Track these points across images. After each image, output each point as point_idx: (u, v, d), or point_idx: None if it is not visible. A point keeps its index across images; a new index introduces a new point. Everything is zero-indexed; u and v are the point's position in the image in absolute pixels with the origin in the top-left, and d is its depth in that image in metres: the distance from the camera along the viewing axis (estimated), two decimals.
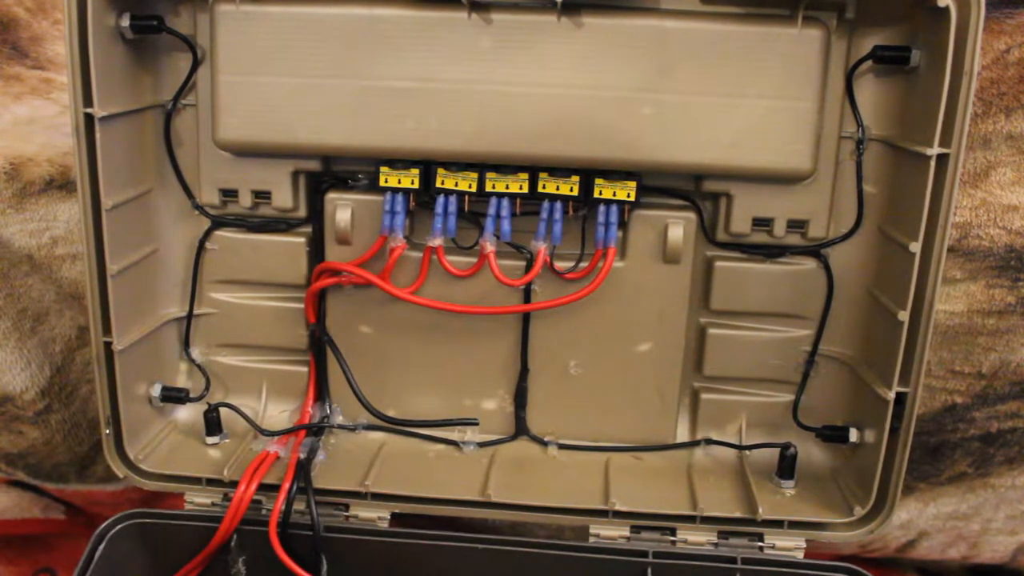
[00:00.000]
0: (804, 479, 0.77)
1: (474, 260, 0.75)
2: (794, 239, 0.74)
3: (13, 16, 0.83)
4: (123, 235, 0.71)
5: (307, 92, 0.70)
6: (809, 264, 0.75)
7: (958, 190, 0.64)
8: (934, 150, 0.63)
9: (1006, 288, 0.82)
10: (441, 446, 0.82)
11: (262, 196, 0.76)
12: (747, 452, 0.79)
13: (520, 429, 0.81)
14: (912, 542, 1.00)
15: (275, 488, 0.74)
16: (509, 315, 0.78)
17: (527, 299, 0.77)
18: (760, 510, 0.72)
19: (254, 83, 0.70)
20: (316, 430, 0.80)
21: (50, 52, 0.84)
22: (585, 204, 0.72)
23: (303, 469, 0.75)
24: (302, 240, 0.78)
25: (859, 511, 0.72)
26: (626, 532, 0.74)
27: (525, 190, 0.71)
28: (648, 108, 0.68)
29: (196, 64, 0.72)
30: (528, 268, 0.75)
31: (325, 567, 0.74)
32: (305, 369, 0.82)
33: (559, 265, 0.75)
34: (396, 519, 0.76)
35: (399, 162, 0.72)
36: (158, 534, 0.75)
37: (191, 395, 0.81)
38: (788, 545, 0.73)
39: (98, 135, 0.67)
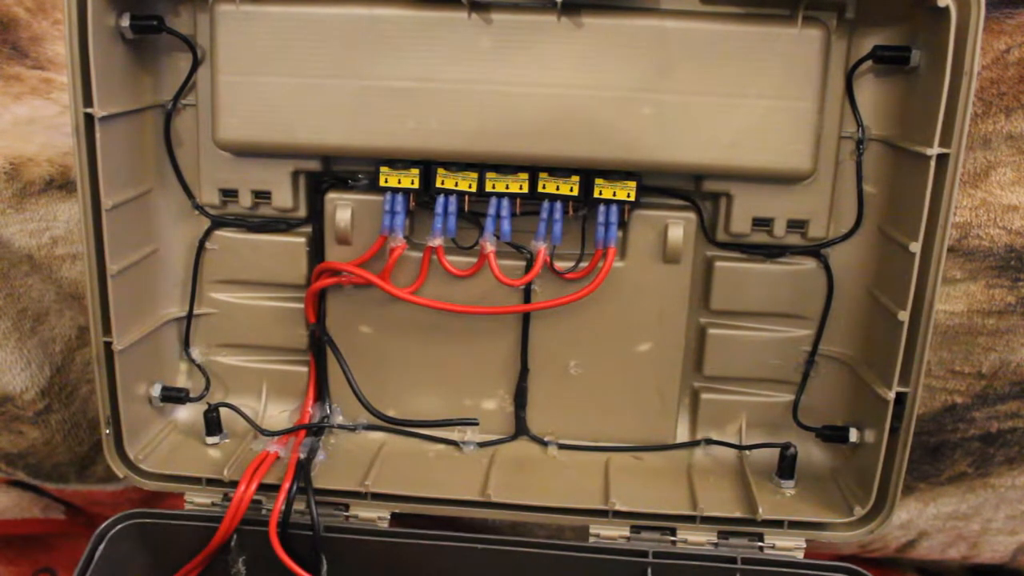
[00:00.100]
0: (804, 479, 0.77)
1: (474, 260, 0.75)
2: (794, 239, 0.74)
3: (13, 16, 0.83)
4: (123, 235, 0.71)
5: (307, 92, 0.70)
6: (809, 264, 0.75)
7: (958, 190, 0.64)
8: (934, 150, 0.63)
9: (1006, 288, 0.82)
10: (441, 446, 0.82)
11: (262, 196, 0.76)
12: (747, 452, 0.79)
13: (520, 429, 0.81)
14: (912, 542, 1.00)
15: (275, 488, 0.74)
16: (509, 315, 0.78)
17: (527, 299, 0.77)
18: (760, 510, 0.72)
19: (254, 83, 0.70)
20: (316, 430, 0.80)
21: (50, 52, 0.84)
22: (585, 204, 0.72)
23: (303, 469, 0.75)
24: (302, 240, 0.78)
25: (859, 511, 0.72)
26: (626, 532, 0.74)
27: (525, 190, 0.71)
28: (648, 108, 0.68)
29: (196, 64, 0.73)
30: (528, 268, 0.75)
31: (325, 567, 0.74)
32: (305, 369, 0.82)
33: (559, 265, 0.75)
34: (396, 519, 0.76)
35: (399, 162, 0.72)
36: (158, 534, 0.75)
37: (191, 395, 0.81)
38: (788, 545, 0.73)
39: (98, 135, 0.67)
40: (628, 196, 0.71)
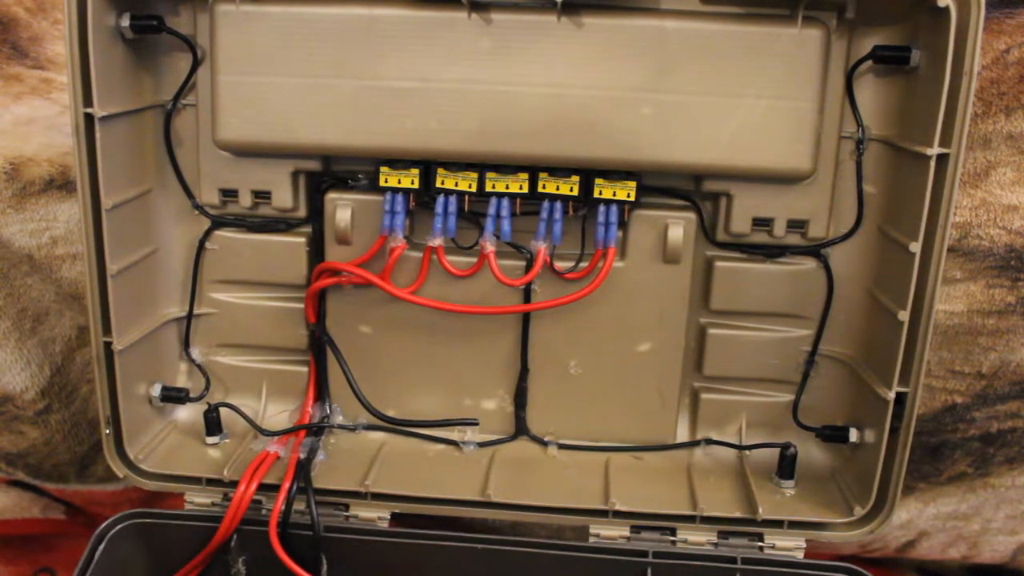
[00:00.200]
0: (804, 479, 0.77)
1: (474, 260, 0.75)
2: (794, 239, 0.74)
3: (13, 16, 0.83)
4: (123, 235, 0.71)
5: (307, 92, 0.70)
6: (809, 264, 0.75)
7: (958, 190, 0.64)
8: (934, 150, 0.63)
9: (1006, 288, 0.82)
10: (441, 446, 0.82)
11: (262, 196, 0.76)
12: (747, 452, 0.79)
13: (520, 429, 0.81)
14: (912, 542, 1.00)
15: (275, 488, 0.74)
16: (509, 315, 0.78)
17: (527, 299, 0.77)
18: (760, 510, 0.72)
19: (254, 83, 0.70)
20: (316, 430, 0.80)
21: (50, 52, 0.84)
22: (585, 204, 0.72)
23: (303, 469, 0.75)
24: (302, 240, 0.78)
25: (859, 511, 0.72)
26: (626, 532, 0.74)
27: (525, 190, 0.71)
28: (648, 108, 0.68)
29: (196, 64, 0.72)
30: (528, 268, 0.75)
31: (325, 567, 0.74)
32: (305, 369, 0.82)
33: (559, 265, 0.75)
34: (396, 519, 0.76)
35: (399, 162, 0.72)
36: (158, 534, 0.75)
37: (191, 395, 0.81)
38: (788, 545, 0.73)
39: (98, 135, 0.67)
40: (628, 196, 0.71)
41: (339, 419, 0.82)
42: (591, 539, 0.74)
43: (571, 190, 0.71)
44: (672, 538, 0.74)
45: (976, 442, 0.91)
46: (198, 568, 0.76)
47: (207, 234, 0.78)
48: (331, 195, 0.76)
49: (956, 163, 0.63)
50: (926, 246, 0.65)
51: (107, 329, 0.72)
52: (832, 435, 0.76)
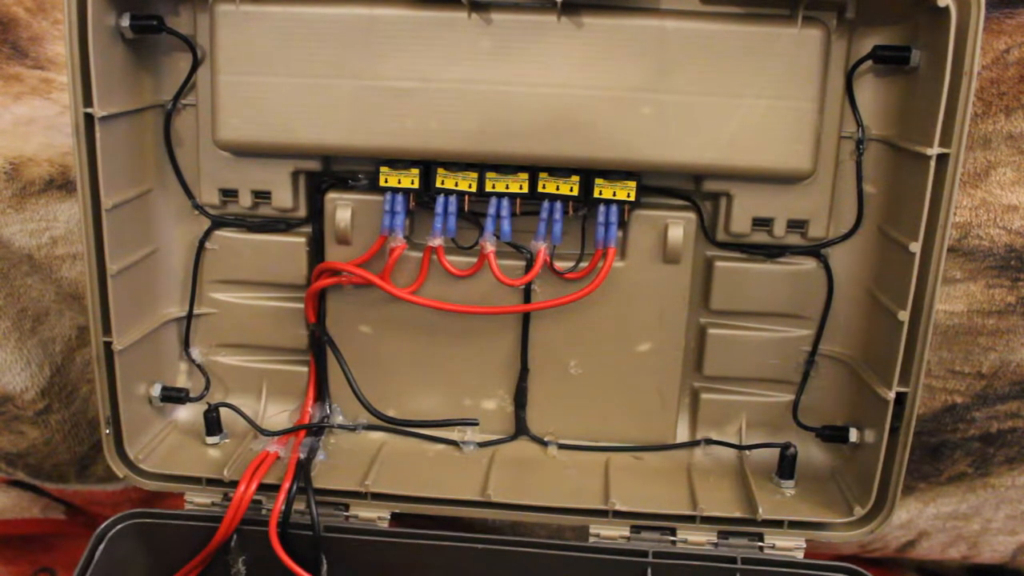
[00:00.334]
0: (804, 479, 0.77)
1: (474, 260, 0.75)
2: (794, 239, 0.74)
3: (13, 16, 0.83)
4: (123, 235, 0.71)
5: (307, 92, 0.70)
6: (809, 264, 0.75)
7: (958, 190, 0.64)
8: (934, 150, 0.63)
9: (1006, 288, 0.82)
10: (441, 446, 0.82)
11: (262, 196, 0.76)
12: (747, 452, 0.79)
13: (520, 429, 0.81)
14: (912, 542, 1.00)
15: (275, 488, 0.74)
16: (509, 315, 0.78)
17: (527, 299, 0.77)
18: (760, 510, 0.72)
19: (254, 83, 0.70)
20: (316, 430, 0.80)
21: (50, 52, 0.84)
22: (585, 204, 0.72)
23: (303, 469, 0.75)
24: (302, 240, 0.78)
25: (859, 511, 0.72)
26: (626, 532, 0.74)
27: (525, 190, 0.71)
28: (648, 108, 0.68)
29: (196, 64, 0.72)
30: (528, 268, 0.75)
31: (325, 567, 0.74)
32: (305, 369, 0.82)
33: (559, 265, 0.75)
34: (396, 519, 0.76)
35: (399, 162, 0.72)
36: (158, 534, 0.75)
37: (191, 395, 0.81)
38: (788, 545, 0.73)
39: (98, 135, 0.67)
40: (628, 196, 0.71)
41: (339, 419, 0.82)
42: (591, 539, 0.74)
43: (571, 190, 0.71)
44: (672, 538, 0.74)
45: (976, 442, 0.91)
46: (198, 568, 0.76)
47: (207, 234, 0.78)
48: (331, 195, 0.76)
49: (956, 163, 0.63)
50: (926, 246, 0.65)
51: (107, 329, 0.72)
52: (832, 435, 0.76)
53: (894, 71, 0.68)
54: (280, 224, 0.78)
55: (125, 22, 0.68)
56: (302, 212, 0.77)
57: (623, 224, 0.74)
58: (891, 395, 0.68)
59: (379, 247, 0.75)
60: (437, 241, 0.73)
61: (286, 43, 0.69)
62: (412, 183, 0.72)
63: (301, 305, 0.79)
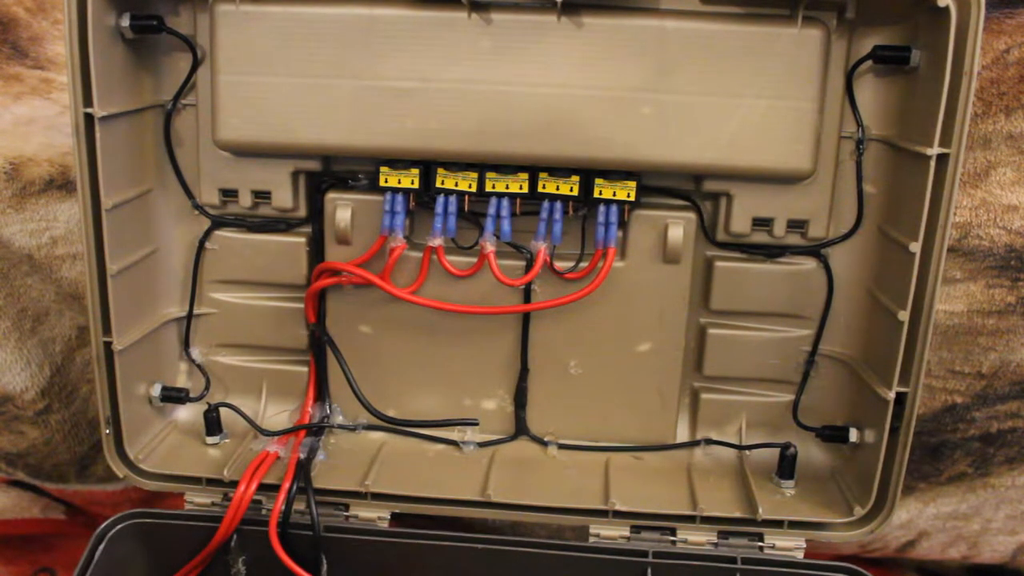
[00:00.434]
0: (804, 479, 0.77)
1: (474, 260, 0.75)
2: (794, 239, 0.74)
3: (13, 16, 0.83)
4: (123, 235, 0.71)
5: (307, 92, 0.70)
6: (809, 264, 0.75)
7: (958, 190, 0.64)
8: (934, 150, 0.63)
9: (1006, 288, 0.82)
10: (441, 446, 0.82)
11: (262, 196, 0.76)
12: (747, 452, 0.79)
13: (520, 429, 0.81)
14: (912, 542, 1.00)
15: (275, 488, 0.74)
16: (509, 315, 0.78)
17: (527, 299, 0.77)
18: (760, 510, 0.72)
19: (254, 83, 0.70)
20: (316, 430, 0.80)
21: (50, 52, 0.84)
22: (585, 204, 0.72)
23: (303, 469, 0.75)
24: (302, 240, 0.78)
25: (859, 511, 0.72)
26: (626, 532, 0.74)
27: (525, 190, 0.71)
28: (648, 108, 0.68)
29: (196, 64, 0.72)
30: (528, 268, 0.75)
31: (325, 567, 0.74)
32: (305, 369, 0.82)
33: (559, 265, 0.75)
34: (396, 519, 0.76)
35: (399, 162, 0.72)
36: (158, 534, 0.75)
37: (191, 395, 0.81)
38: (788, 545, 0.73)
39: (98, 135, 0.67)
40: (628, 196, 0.71)
41: (339, 419, 0.82)
42: (591, 539, 0.74)
43: (571, 190, 0.71)
44: (672, 538, 0.74)
45: (976, 442, 0.91)
46: (198, 568, 0.76)
47: (207, 234, 0.78)
48: (331, 195, 0.76)
49: (956, 163, 0.63)
50: (926, 246, 0.65)
51: (107, 329, 0.72)
52: (832, 435, 0.76)
53: (894, 71, 0.68)
54: (280, 224, 0.78)
55: (125, 22, 0.68)
56: (302, 212, 0.77)
57: (623, 224, 0.74)
58: (891, 395, 0.68)
59: (379, 247, 0.75)
60: (437, 241, 0.73)
61: (286, 43, 0.69)
62: (412, 183, 0.72)
63: (301, 305, 0.79)
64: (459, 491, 0.75)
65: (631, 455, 0.81)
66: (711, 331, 0.78)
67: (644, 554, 0.73)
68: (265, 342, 0.82)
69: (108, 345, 0.72)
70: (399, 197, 0.73)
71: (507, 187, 0.71)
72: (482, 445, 0.81)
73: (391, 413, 0.81)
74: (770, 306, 0.76)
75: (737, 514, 0.73)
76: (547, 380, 0.80)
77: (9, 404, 0.93)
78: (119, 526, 0.74)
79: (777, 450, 0.77)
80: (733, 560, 0.72)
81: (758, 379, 0.79)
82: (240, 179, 0.75)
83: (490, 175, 0.71)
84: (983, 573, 1.05)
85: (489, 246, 0.73)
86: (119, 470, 0.76)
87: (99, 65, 0.65)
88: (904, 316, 0.66)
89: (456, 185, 0.72)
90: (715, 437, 0.80)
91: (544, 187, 0.71)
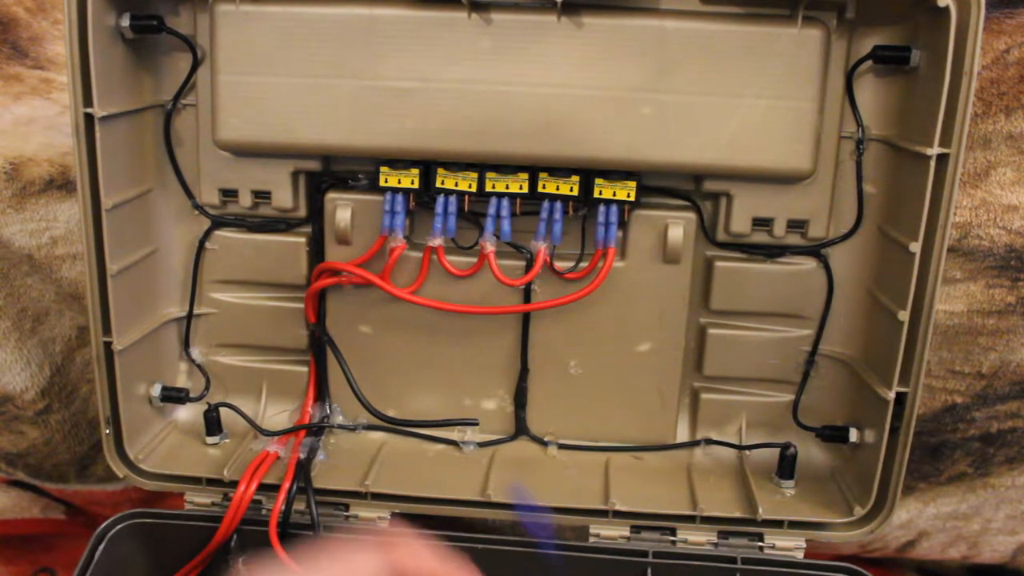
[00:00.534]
0: (804, 479, 0.77)
1: (474, 260, 0.75)
2: (794, 239, 0.74)
3: (13, 16, 0.83)
4: (123, 235, 0.72)
5: (307, 92, 0.70)
6: (809, 264, 0.75)
7: (958, 190, 0.64)
8: (934, 150, 0.63)
9: (1006, 288, 0.82)
10: (441, 446, 0.82)
11: (262, 196, 0.76)
12: (747, 452, 0.79)
13: (520, 429, 0.81)
14: (912, 542, 1.00)
15: (275, 488, 0.74)
16: (509, 315, 0.78)
17: (527, 299, 0.77)
18: (760, 510, 0.72)
19: (254, 83, 0.70)
20: (316, 430, 0.80)
21: (50, 52, 0.84)
22: (585, 204, 0.72)
23: (303, 469, 0.75)
24: (302, 240, 0.78)
25: (859, 511, 0.72)
26: (626, 532, 0.74)
27: (525, 190, 0.71)
28: (648, 108, 0.68)
29: (196, 64, 0.72)
30: (528, 268, 0.75)
31: None
32: (305, 369, 0.82)
33: (559, 265, 0.75)
34: (396, 519, 0.76)
35: (399, 162, 0.72)
36: (158, 534, 0.75)
37: (191, 395, 0.81)
38: (788, 545, 0.73)
39: (98, 135, 0.67)
40: (628, 196, 0.71)
41: (339, 419, 0.82)
42: (591, 539, 0.74)
43: (571, 190, 0.71)
44: (672, 538, 0.74)
45: (976, 442, 0.91)
46: (198, 568, 0.76)
47: (207, 234, 0.78)
48: (331, 195, 0.76)
49: (956, 163, 0.63)
50: (926, 246, 0.65)
51: (107, 329, 0.72)
52: (832, 435, 0.76)
53: (894, 71, 0.68)
54: (280, 224, 0.78)
55: (125, 22, 0.68)
56: (302, 212, 0.77)
57: (623, 224, 0.74)
58: (891, 395, 0.68)
59: (379, 247, 0.75)
60: (437, 241, 0.73)
61: (286, 43, 0.69)
62: (412, 183, 0.72)
63: (301, 305, 0.79)
64: (459, 491, 0.75)
65: (631, 455, 0.81)
66: (711, 331, 0.78)
67: (644, 554, 0.73)
68: (265, 342, 0.82)
69: (108, 345, 0.72)
70: (399, 197, 0.73)
71: (507, 187, 0.71)
72: (482, 445, 0.81)
73: (391, 413, 0.81)
74: (770, 306, 0.76)
75: (737, 514, 0.73)
76: (547, 380, 0.80)
77: (9, 404, 0.93)
78: (119, 526, 0.74)
79: (777, 450, 0.77)
80: (733, 560, 0.72)
81: (758, 379, 0.79)
82: (240, 179, 0.75)
83: (490, 175, 0.71)
84: (983, 573, 1.05)
85: (489, 246, 0.73)
86: (119, 470, 0.76)
87: (99, 65, 0.65)
88: (904, 316, 0.66)
89: (456, 185, 0.71)
90: (715, 437, 0.80)
91: (544, 187, 0.71)
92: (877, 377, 0.71)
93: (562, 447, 0.81)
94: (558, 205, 0.72)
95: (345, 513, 0.76)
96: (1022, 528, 0.97)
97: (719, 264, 0.76)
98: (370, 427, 0.82)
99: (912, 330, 0.67)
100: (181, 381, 0.82)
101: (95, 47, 0.65)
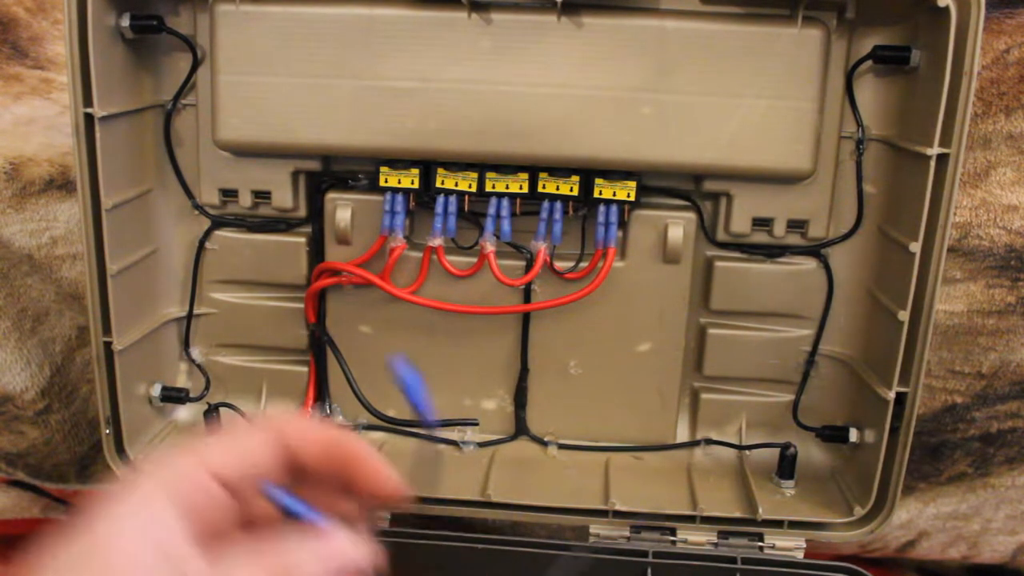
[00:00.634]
0: (804, 479, 0.77)
1: (474, 260, 0.75)
2: (794, 239, 0.74)
3: (13, 16, 0.83)
4: (123, 235, 0.71)
5: (307, 92, 0.70)
6: (809, 264, 0.75)
7: (958, 190, 0.64)
8: (934, 150, 0.63)
9: (1006, 288, 0.82)
10: (441, 446, 0.82)
11: (262, 196, 0.76)
12: (747, 452, 0.79)
13: (520, 429, 0.81)
14: (912, 542, 1.00)
15: None
16: (509, 315, 0.78)
17: (527, 299, 0.77)
18: (760, 510, 0.72)
19: (254, 83, 0.70)
20: None
21: (50, 52, 0.84)
22: (585, 204, 0.72)
23: None
24: (302, 240, 0.78)
25: (859, 511, 0.72)
26: (626, 532, 0.74)
27: (525, 190, 0.71)
28: (648, 108, 0.68)
29: (196, 64, 0.72)
30: (528, 268, 0.75)
31: None
32: (305, 369, 0.82)
33: (559, 265, 0.75)
34: (396, 519, 0.76)
35: (399, 162, 0.72)
36: None
37: (191, 395, 0.81)
38: (788, 545, 0.73)
39: (98, 135, 0.67)
40: (628, 196, 0.71)
41: (339, 419, 0.82)
42: (591, 539, 0.74)
43: (571, 190, 0.71)
44: (672, 538, 0.74)
45: (976, 442, 0.91)
46: None
47: (207, 234, 0.78)
48: (331, 195, 0.76)
49: (956, 163, 0.63)
50: (926, 246, 0.65)
51: (107, 329, 0.72)
52: (832, 435, 0.76)
53: (894, 71, 0.68)
54: (280, 224, 0.78)
55: (125, 22, 0.68)
56: (302, 212, 0.77)
57: (623, 224, 0.74)
58: (891, 395, 0.68)
59: (379, 247, 0.75)
60: (437, 241, 0.73)
61: (286, 43, 0.69)
62: (412, 183, 0.72)
63: (301, 305, 0.79)
64: (459, 491, 0.75)
65: (631, 455, 0.81)
66: (711, 331, 0.78)
67: (644, 554, 0.73)
68: (265, 342, 0.82)
69: (108, 345, 0.72)
70: (399, 197, 0.73)
71: (507, 187, 0.71)
72: (482, 445, 0.81)
73: (391, 413, 0.81)
74: (770, 306, 0.76)
75: (737, 514, 0.73)
76: (547, 380, 0.80)
77: (9, 404, 0.93)
78: None
79: (777, 450, 0.77)
80: (733, 560, 0.72)
81: (758, 379, 0.79)
82: (240, 179, 0.75)
83: (490, 175, 0.71)
84: (983, 573, 1.05)
85: (489, 246, 0.73)
86: (119, 470, 0.76)
87: (99, 65, 0.65)
88: (904, 316, 0.66)
89: (456, 185, 0.71)
90: (715, 437, 0.80)
91: (544, 187, 0.71)
92: (877, 377, 0.71)
93: (562, 447, 0.81)
94: (558, 205, 0.72)
95: None
96: (1022, 528, 0.97)
97: (719, 264, 0.76)
98: (370, 427, 0.82)
99: (912, 330, 0.67)
100: (181, 381, 0.82)
101: (95, 47, 0.65)
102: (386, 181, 0.72)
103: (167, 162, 0.75)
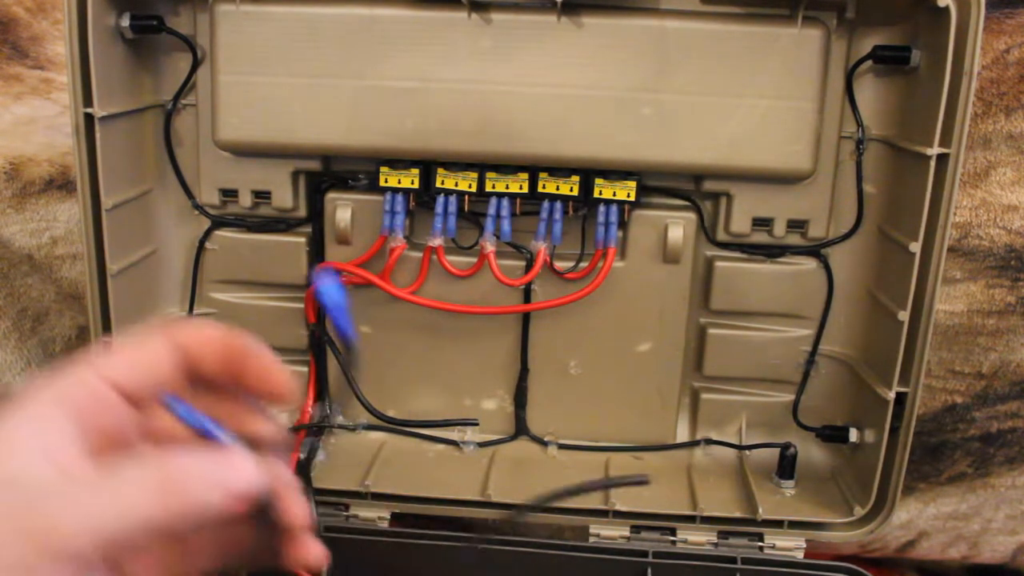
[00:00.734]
0: (804, 479, 0.77)
1: (474, 260, 0.75)
2: (794, 239, 0.74)
3: (13, 16, 0.83)
4: (123, 235, 0.71)
5: (307, 92, 0.70)
6: (809, 264, 0.75)
7: (958, 190, 0.64)
8: (934, 150, 0.63)
9: (1006, 288, 0.82)
10: (441, 446, 0.82)
11: (262, 196, 0.76)
12: (747, 452, 0.79)
13: (520, 429, 0.81)
14: (912, 542, 1.00)
15: None
16: (509, 315, 0.78)
17: (527, 299, 0.77)
18: (760, 510, 0.72)
19: (254, 83, 0.70)
20: (316, 430, 0.80)
21: (50, 52, 0.84)
22: (585, 204, 0.72)
23: (303, 469, 0.75)
24: (302, 240, 0.78)
25: (859, 511, 0.72)
26: (626, 532, 0.74)
27: (525, 190, 0.71)
28: (648, 108, 0.68)
29: (196, 64, 0.72)
30: (528, 268, 0.75)
31: (325, 567, 0.74)
32: (305, 369, 0.82)
33: (559, 265, 0.75)
34: (396, 519, 0.76)
35: (399, 162, 0.72)
36: None
37: None
38: (788, 545, 0.73)
39: (98, 135, 0.67)
40: (628, 196, 0.71)
41: (339, 419, 0.82)
42: (591, 539, 0.74)
43: (571, 190, 0.71)
44: (672, 538, 0.74)
45: (976, 442, 0.91)
46: None
47: (207, 234, 0.78)
48: (331, 195, 0.76)
49: (956, 163, 0.63)
50: (926, 246, 0.65)
51: (107, 329, 0.72)
52: (832, 435, 0.76)
53: (894, 71, 0.68)
54: (280, 224, 0.78)
55: (125, 22, 0.68)
56: (302, 212, 0.77)
57: (623, 224, 0.74)
58: (891, 395, 0.68)
59: (379, 247, 0.75)
60: (437, 241, 0.73)
61: (286, 43, 0.69)
62: (412, 183, 0.72)
63: (301, 305, 0.79)
64: (459, 491, 0.75)
65: (631, 455, 0.81)
66: (711, 331, 0.78)
67: (644, 554, 0.73)
68: (265, 342, 0.81)
69: (108, 345, 0.72)
70: (399, 197, 0.73)
71: (507, 187, 0.71)
72: (482, 445, 0.81)
73: (391, 413, 0.81)
74: (770, 306, 0.76)
75: (737, 514, 0.73)
76: (547, 380, 0.80)
77: None
78: None
79: (777, 450, 0.77)
80: (733, 560, 0.72)
81: (758, 379, 0.79)
82: (240, 179, 0.75)
83: (490, 175, 0.71)
84: (983, 573, 1.05)
85: (489, 246, 0.73)
86: None
87: (99, 65, 0.65)
88: (904, 316, 0.66)
89: (456, 185, 0.71)
90: (715, 437, 0.80)
91: (544, 187, 0.71)
92: (877, 377, 0.71)
93: (562, 447, 0.81)
94: (558, 205, 0.72)
95: (345, 513, 0.76)
96: (1022, 528, 0.97)
97: (719, 264, 0.76)
98: (370, 427, 0.82)
99: (912, 330, 0.67)
100: None
101: (95, 47, 0.65)
102: (386, 181, 0.72)
103: (167, 162, 0.75)
